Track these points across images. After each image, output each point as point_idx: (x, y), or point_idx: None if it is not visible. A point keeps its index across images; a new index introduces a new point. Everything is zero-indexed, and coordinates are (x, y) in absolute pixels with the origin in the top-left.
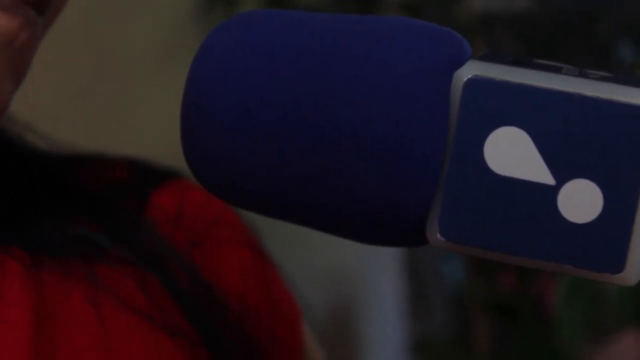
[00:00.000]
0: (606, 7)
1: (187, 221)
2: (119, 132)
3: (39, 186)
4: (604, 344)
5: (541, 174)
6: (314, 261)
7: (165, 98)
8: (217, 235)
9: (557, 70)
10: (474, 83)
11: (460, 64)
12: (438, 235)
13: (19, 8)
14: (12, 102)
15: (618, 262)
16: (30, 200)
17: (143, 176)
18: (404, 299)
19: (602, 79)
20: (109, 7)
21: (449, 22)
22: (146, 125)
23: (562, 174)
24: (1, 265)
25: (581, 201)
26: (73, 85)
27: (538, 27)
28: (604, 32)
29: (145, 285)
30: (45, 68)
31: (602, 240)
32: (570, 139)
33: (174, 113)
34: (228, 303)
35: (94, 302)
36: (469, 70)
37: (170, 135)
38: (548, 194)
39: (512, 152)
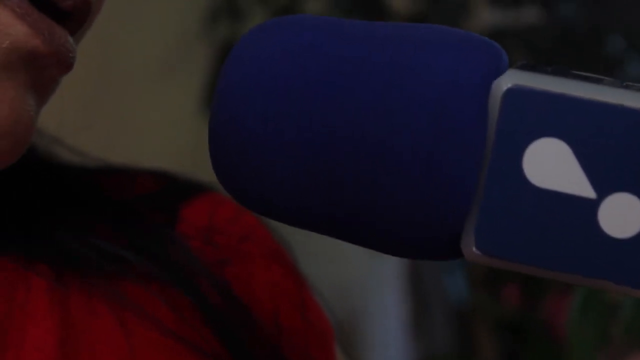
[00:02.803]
0: (615, 20)
1: (217, 237)
2: (124, 143)
3: (64, 199)
4: None
5: (582, 187)
6: (317, 276)
7: (169, 110)
8: (248, 251)
9: (598, 81)
10: (514, 92)
11: (498, 73)
12: (474, 248)
13: (42, 22)
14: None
15: None
16: (55, 213)
17: (172, 189)
18: (407, 314)
19: None
20: (113, 19)
21: None
22: (150, 137)
23: (604, 188)
24: (26, 282)
25: (622, 215)
26: (77, 96)
27: (546, 40)
28: (613, 45)
29: (173, 301)
30: None
31: None
32: (612, 152)
33: (178, 124)
34: (260, 321)
35: (119, 319)
36: (509, 80)
37: (175, 146)
38: (588, 207)
39: (552, 164)
